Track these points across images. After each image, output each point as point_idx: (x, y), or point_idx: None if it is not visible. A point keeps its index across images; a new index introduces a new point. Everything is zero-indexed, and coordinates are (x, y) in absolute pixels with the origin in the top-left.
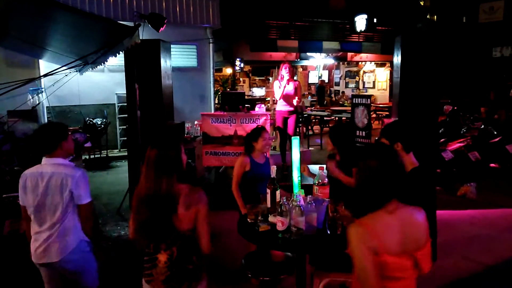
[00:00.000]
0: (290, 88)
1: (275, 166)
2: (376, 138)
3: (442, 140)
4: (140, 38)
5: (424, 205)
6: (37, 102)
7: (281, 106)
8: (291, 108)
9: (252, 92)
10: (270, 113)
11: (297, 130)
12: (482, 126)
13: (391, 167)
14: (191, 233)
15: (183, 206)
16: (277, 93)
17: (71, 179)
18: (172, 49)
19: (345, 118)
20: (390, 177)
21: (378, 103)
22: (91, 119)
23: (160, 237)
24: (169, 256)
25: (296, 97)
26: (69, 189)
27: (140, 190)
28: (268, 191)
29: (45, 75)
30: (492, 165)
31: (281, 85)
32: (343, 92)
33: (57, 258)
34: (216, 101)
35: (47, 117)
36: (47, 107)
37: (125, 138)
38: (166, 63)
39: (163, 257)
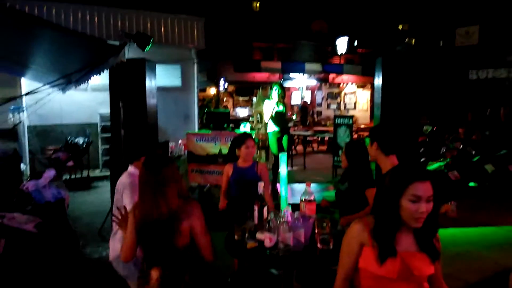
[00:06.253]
0: (282, 107)
1: (263, 183)
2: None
3: (422, 159)
4: (126, 57)
5: None
6: (18, 121)
7: (273, 127)
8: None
9: (236, 112)
10: (255, 132)
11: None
12: (461, 146)
13: None
14: (186, 249)
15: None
16: (267, 114)
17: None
18: (156, 69)
19: (327, 138)
20: None
21: (360, 123)
22: (73, 139)
23: (161, 255)
24: (162, 272)
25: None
26: None
27: (143, 213)
28: (256, 207)
29: (27, 94)
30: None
31: (271, 106)
32: (323, 118)
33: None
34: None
35: (28, 136)
36: (28, 126)
37: (107, 158)
38: (151, 83)
39: (155, 273)
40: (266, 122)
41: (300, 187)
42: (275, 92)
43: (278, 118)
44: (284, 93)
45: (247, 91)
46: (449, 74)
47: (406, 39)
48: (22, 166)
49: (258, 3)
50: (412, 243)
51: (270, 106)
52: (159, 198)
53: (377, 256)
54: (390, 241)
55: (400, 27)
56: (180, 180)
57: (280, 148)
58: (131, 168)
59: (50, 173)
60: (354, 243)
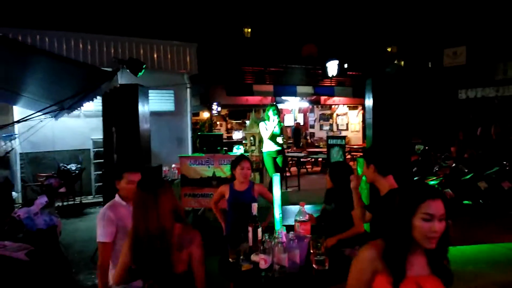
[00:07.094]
0: (277, 129)
1: (257, 204)
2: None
3: (415, 178)
4: (119, 83)
5: None
6: (10, 148)
7: (269, 146)
8: (279, 148)
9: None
10: (248, 155)
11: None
12: (454, 165)
13: None
14: (186, 275)
15: (175, 247)
16: (265, 134)
17: None
18: (149, 94)
19: (321, 159)
20: None
21: (352, 144)
22: (65, 165)
23: (156, 278)
24: None
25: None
26: None
27: (137, 231)
28: (250, 229)
29: (19, 121)
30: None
31: (269, 126)
32: (316, 139)
33: None
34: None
35: (20, 164)
36: (20, 153)
37: (100, 184)
38: (144, 108)
39: None
40: (264, 140)
41: (295, 209)
42: (271, 113)
43: (276, 138)
44: (279, 114)
45: (240, 114)
46: (439, 94)
47: (395, 61)
48: (14, 194)
49: (249, 29)
50: (425, 266)
51: (271, 127)
52: (150, 214)
53: (392, 283)
54: (402, 264)
55: (389, 49)
56: (176, 201)
57: (276, 169)
58: (116, 198)
59: (42, 200)
60: (367, 271)
